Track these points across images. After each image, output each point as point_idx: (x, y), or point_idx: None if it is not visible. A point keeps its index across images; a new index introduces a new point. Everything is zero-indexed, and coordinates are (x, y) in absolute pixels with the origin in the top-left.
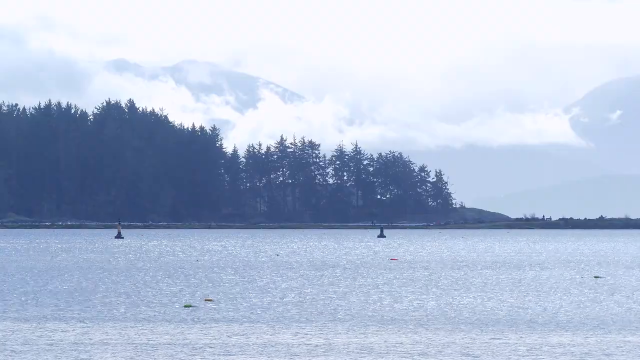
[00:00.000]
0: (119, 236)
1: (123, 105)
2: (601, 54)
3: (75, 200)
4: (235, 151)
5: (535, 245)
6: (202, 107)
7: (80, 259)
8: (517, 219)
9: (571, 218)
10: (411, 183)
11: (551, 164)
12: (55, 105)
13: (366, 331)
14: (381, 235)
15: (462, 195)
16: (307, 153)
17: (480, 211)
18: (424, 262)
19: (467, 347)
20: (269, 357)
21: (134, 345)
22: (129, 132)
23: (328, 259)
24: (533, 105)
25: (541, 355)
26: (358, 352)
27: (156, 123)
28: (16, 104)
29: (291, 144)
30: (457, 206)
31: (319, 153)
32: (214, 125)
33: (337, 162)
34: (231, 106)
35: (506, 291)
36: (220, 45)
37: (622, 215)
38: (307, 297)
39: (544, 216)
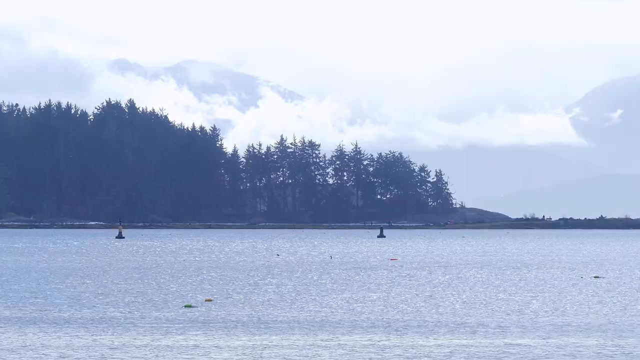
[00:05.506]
0: (120, 236)
1: (123, 105)
2: (601, 54)
3: (75, 200)
4: (235, 151)
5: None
6: (205, 107)
7: (83, 260)
8: (517, 219)
9: (571, 218)
10: (411, 183)
11: (551, 164)
12: (55, 105)
13: (368, 336)
14: (381, 236)
15: (462, 195)
16: (307, 153)
17: (481, 211)
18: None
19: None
20: (268, 357)
21: (135, 346)
22: (129, 132)
23: (329, 259)
24: (533, 105)
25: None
26: (355, 356)
27: (156, 123)
28: (16, 104)
29: (291, 144)
30: (457, 206)
31: (319, 153)
32: (214, 125)
33: (337, 162)
34: (234, 106)
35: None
36: (221, 45)
37: (622, 215)
38: (307, 299)
39: (544, 216)
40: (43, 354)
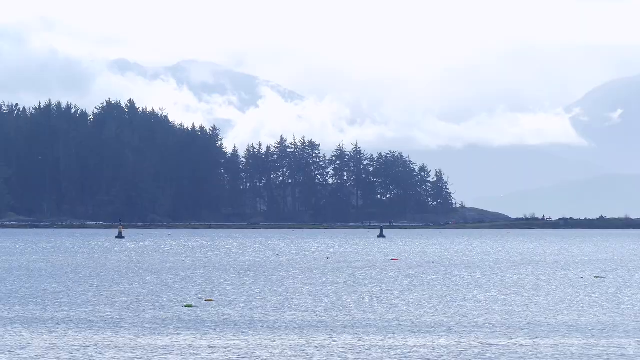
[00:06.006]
0: (119, 236)
1: (123, 105)
2: (601, 54)
3: (75, 200)
4: (235, 151)
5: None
6: (205, 107)
7: (81, 260)
8: (517, 219)
9: (571, 218)
10: (411, 183)
11: (551, 164)
12: (55, 105)
13: (357, 336)
14: (381, 236)
15: (463, 195)
16: (307, 153)
17: (481, 211)
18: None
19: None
20: (257, 357)
21: (134, 347)
22: (129, 132)
23: (329, 259)
24: (533, 105)
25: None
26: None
27: (156, 123)
28: (16, 104)
29: (291, 144)
30: (457, 206)
31: (319, 153)
32: (214, 125)
33: (337, 162)
34: (234, 106)
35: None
36: (221, 45)
37: (622, 215)
38: (302, 299)
39: (544, 216)
40: (29, 353)
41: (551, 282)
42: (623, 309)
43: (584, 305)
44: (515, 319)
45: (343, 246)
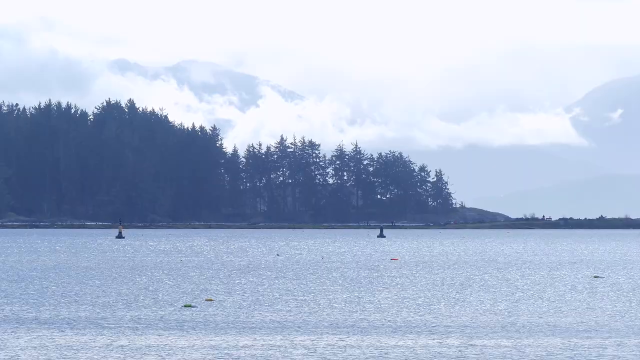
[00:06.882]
0: (119, 236)
1: (123, 105)
2: (601, 54)
3: (75, 200)
4: (235, 151)
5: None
6: (206, 107)
7: (84, 258)
8: (517, 219)
9: (571, 218)
10: (411, 183)
11: (551, 164)
12: (55, 105)
13: (339, 336)
14: (381, 235)
15: (462, 195)
16: (307, 153)
17: (481, 211)
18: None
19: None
20: (268, 358)
21: (134, 347)
22: (129, 132)
23: (330, 259)
24: (533, 105)
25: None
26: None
27: (156, 123)
28: (16, 104)
29: (291, 143)
30: (457, 206)
31: (319, 153)
32: (214, 125)
33: (337, 162)
34: (234, 106)
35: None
36: (221, 45)
37: (622, 215)
38: (307, 300)
39: (544, 216)
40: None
41: (548, 282)
42: (615, 309)
43: (577, 305)
44: (500, 320)
45: (342, 246)
